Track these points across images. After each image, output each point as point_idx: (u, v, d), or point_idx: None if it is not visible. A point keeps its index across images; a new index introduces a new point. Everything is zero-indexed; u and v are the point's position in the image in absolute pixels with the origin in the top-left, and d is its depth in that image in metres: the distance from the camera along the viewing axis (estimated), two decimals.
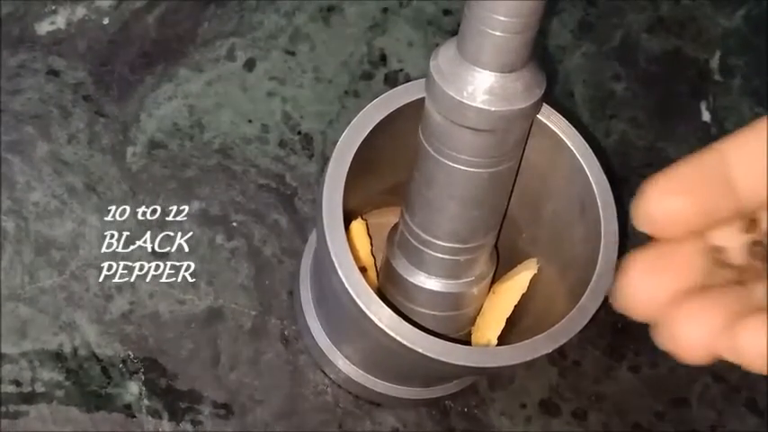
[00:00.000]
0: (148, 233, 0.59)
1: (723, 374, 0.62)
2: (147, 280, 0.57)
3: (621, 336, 0.62)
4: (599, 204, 0.44)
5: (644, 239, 0.29)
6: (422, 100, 0.42)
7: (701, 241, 0.29)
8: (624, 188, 0.52)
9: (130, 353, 0.56)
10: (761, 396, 0.62)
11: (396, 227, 0.49)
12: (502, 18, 0.36)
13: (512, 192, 0.46)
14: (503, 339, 0.50)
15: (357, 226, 0.53)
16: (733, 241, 0.29)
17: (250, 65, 0.64)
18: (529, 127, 0.43)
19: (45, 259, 0.57)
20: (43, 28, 0.63)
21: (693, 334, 0.27)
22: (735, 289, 0.28)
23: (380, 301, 0.41)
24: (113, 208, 0.59)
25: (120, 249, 0.58)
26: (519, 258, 0.51)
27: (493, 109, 0.38)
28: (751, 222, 0.29)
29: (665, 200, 0.28)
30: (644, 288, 0.28)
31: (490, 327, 0.50)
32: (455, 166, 0.41)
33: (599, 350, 0.61)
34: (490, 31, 0.36)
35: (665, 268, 0.28)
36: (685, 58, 0.70)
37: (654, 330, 0.28)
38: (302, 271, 0.57)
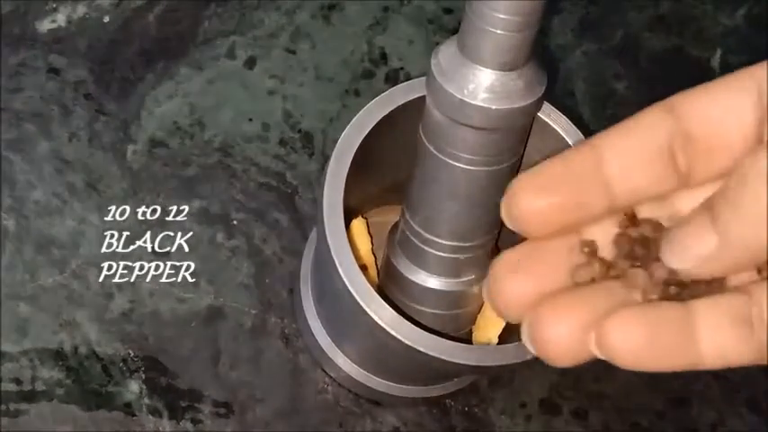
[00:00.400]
0: (149, 232, 0.58)
1: (724, 374, 0.62)
2: (148, 278, 0.57)
3: None
4: None
5: None
6: (422, 98, 0.41)
7: (574, 237, 0.28)
8: None
9: (131, 351, 0.56)
10: (761, 395, 0.62)
11: (396, 225, 0.49)
12: (503, 16, 0.36)
13: None
14: (503, 338, 0.50)
15: (358, 224, 0.53)
16: (606, 237, 0.28)
17: (250, 63, 0.64)
18: (530, 125, 0.43)
19: (46, 258, 0.57)
20: (44, 26, 0.63)
21: (558, 334, 0.26)
22: (606, 286, 0.27)
23: (381, 300, 0.41)
24: (114, 206, 0.59)
25: (120, 248, 0.58)
26: None
27: (494, 107, 0.38)
28: (625, 218, 0.28)
29: (531, 198, 0.27)
30: (510, 288, 0.28)
31: (491, 325, 0.50)
32: (456, 164, 0.41)
33: None
34: (491, 30, 0.36)
35: (531, 267, 0.28)
36: (686, 56, 0.70)
37: (521, 332, 0.27)
38: (303, 270, 0.57)
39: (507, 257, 0.28)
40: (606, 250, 0.28)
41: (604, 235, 0.28)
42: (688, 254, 0.26)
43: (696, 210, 0.26)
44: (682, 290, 0.27)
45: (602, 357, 0.26)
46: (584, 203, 0.27)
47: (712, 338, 0.26)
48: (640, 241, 0.28)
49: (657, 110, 0.27)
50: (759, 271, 0.27)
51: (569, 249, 0.28)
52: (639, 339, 0.25)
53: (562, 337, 0.26)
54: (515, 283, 0.28)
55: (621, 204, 0.27)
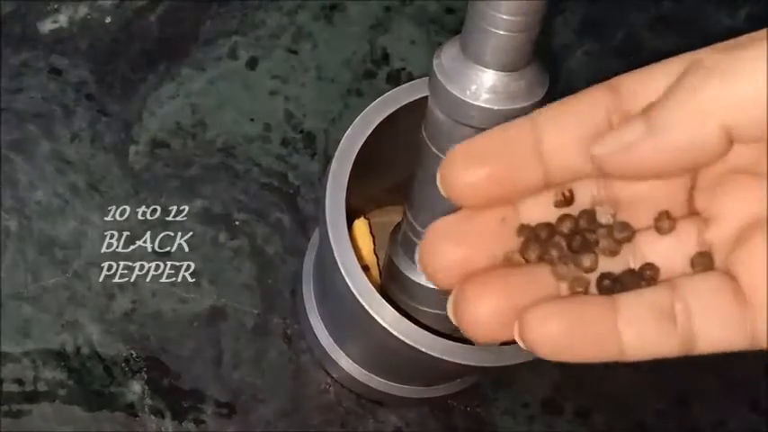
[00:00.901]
0: (150, 232, 0.59)
1: (725, 373, 0.62)
2: (150, 279, 0.58)
3: None
4: None
5: None
6: (424, 99, 0.41)
7: (508, 209, 0.28)
8: None
9: (133, 352, 0.56)
10: (762, 395, 0.62)
11: (398, 226, 0.49)
12: (505, 17, 0.36)
13: None
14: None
15: (360, 225, 0.53)
16: (542, 213, 0.28)
17: (252, 63, 0.64)
18: None
19: (48, 258, 0.57)
20: (46, 27, 0.63)
21: (480, 313, 0.26)
22: (535, 272, 0.27)
23: (383, 300, 0.41)
24: (116, 207, 0.59)
25: (122, 248, 0.58)
26: None
27: (496, 108, 0.38)
28: (561, 197, 0.28)
29: (465, 168, 0.27)
30: (441, 254, 0.27)
31: None
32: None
33: None
34: (493, 30, 0.36)
35: (463, 236, 0.28)
36: None
37: (447, 302, 0.27)
38: (305, 270, 0.57)
39: (441, 224, 0.28)
40: (539, 229, 0.28)
41: (541, 210, 0.28)
42: (614, 139, 0.26)
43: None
44: (613, 284, 0.27)
45: (524, 347, 0.26)
46: (519, 176, 0.27)
47: (635, 332, 0.26)
48: (574, 234, 0.28)
49: (600, 88, 0.27)
50: (692, 265, 0.27)
51: (501, 220, 0.28)
52: (558, 332, 0.26)
53: (483, 317, 0.26)
54: (446, 249, 0.27)
55: (558, 180, 0.27)
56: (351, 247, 0.41)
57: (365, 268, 0.50)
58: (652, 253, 0.28)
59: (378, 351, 0.51)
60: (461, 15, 0.36)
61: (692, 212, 0.27)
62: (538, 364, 0.60)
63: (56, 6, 0.63)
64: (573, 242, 0.28)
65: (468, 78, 0.38)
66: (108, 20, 0.64)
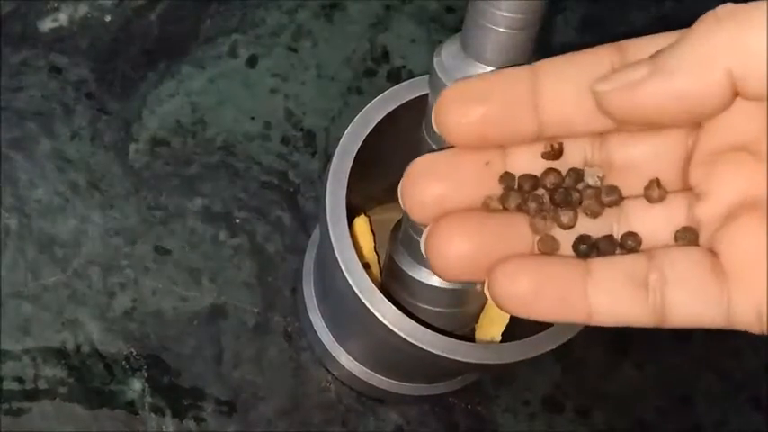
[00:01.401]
0: (151, 230, 0.59)
1: (727, 372, 0.62)
2: (150, 277, 0.58)
3: (625, 333, 0.62)
4: None
5: None
6: (425, 96, 0.41)
7: (495, 152, 0.28)
8: None
9: (133, 350, 0.56)
10: (764, 393, 0.62)
11: (399, 223, 0.49)
12: (505, 14, 0.36)
13: None
14: (506, 336, 0.50)
15: (360, 222, 0.53)
16: (529, 166, 0.28)
17: (252, 62, 0.64)
18: None
19: (48, 256, 0.57)
20: (46, 25, 0.63)
21: (450, 250, 0.27)
22: (512, 221, 0.27)
23: (384, 298, 0.41)
24: (116, 205, 0.59)
25: (122, 247, 0.58)
26: None
27: None
28: (550, 148, 0.28)
29: (459, 106, 0.27)
30: (421, 189, 0.28)
31: (494, 323, 0.50)
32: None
33: (603, 347, 0.61)
34: (493, 28, 0.36)
35: (445, 173, 0.28)
36: None
37: (422, 237, 0.28)
38: (305, 268, 0.57)
39: (425, 160, 0.28)
40: (522, 180, 0.28)
41: (530, 162, 0.28)
42: (619, 77, 0.25)
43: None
44: (589, 249, 0.27)
45: (491, 300, 0.26)
46: (513, 121, 0.27)
47: (604, 296, 0.26)
48: (557, 189, 0.28)
49: (606, 47, 0.27)
50: (676, 238, 0.27)
51: (486, 164, 0.28)
52: (525, 289, 0.26)
53: (452, 256, 0.27)
54: (425, 184, 0.28)
55: (551, 132, 0.27)
56: (351, 244, 0.41)
57: (366, 266, 0.50)
58: (638, 222, 0.27)
59: (378, 348, 0.51)
60: (462, 14, 0.36)
61: (686, 187, 0.27)
62: (539, 362, 0.60)
63: (56, 5, 0.63)
64: (554, 196, 0.28)
65: (469, 75, 0.38)
66: (108, 18, 0.64)
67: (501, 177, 0.28)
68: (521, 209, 0.28)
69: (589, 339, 0.61)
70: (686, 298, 0.25)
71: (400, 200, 0.28)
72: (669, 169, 0.27)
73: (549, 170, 0.28)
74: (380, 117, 0.43)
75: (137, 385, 0.55)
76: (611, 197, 0.27)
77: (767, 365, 0.63)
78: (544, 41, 0.66)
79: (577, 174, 0.28)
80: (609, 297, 0.26)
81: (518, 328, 0.50)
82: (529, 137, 0.27)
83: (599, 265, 0.26)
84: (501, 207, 0.28)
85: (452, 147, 0.28)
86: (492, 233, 0.27)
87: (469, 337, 0.52)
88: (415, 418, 0.58)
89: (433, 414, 0.58)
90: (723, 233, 0.25)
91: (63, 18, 0.63)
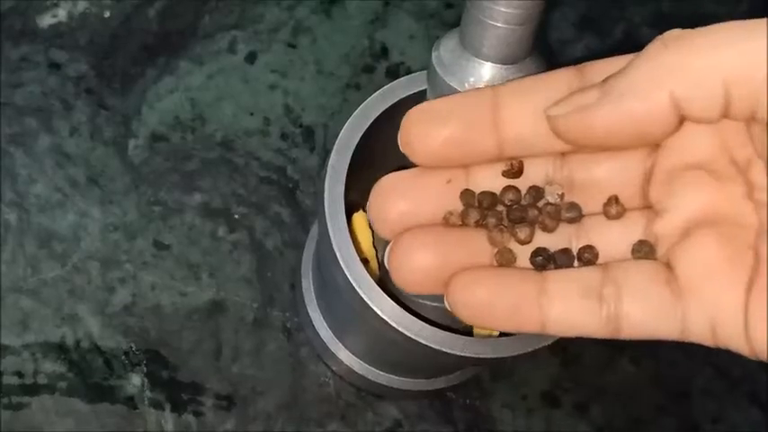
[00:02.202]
0: (150, 225, 0.59)
1: (724, 367, 0.62)
2: (149, 272, 0.58)
3: None
4: None
5: None
6: (423, 92, 0.42)
7: (458, 170, 0.29)
8: None
9: (133, 345, 0.56)
10: (762, 389, 0.62)
11: None
12: (503, 9, 0.36)
13: None
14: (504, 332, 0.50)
15: (359, 218, 0.53)
16: (490, 183, 0.29)
17: (251, 58, 0.64)
18: None
19: (47, 251, 0.57)
20: (45, 21, 0.63)
21: (410, 263, 0.27)
22: (471, 236, 0.28)
23: (382, 292, 0.41)
24: (115, 200, 0.59)
25: (121, 242, 0.58)
26: None
27: None
28: (510, 166, 0.28)
29: (422, 128, 0.28)
30: (386, 206, 0.29)
31: None
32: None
33: (600, 342, 0.61)
34: (492, 23, 0.36)
35: (408, 190, 0.29)
36: None
37: (385, 252, 0.29)
38: (304, 263, 0.57)
39: (390, 178, 0.29)
40: (481, 197, 0.29)
41: (491, 180, 0.29)
42: (570, 102, 0.26)
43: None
44: (546, 261, 0.28)
45: (449, 309, 0.27)
46: (474, 142, 0.28)
47: (557, 307, 0.26)
48: (518, 208, 0.28)
49: (567, 69, 0.28)
50: (633, 251, 0.27)
51: (447, 181, 0.29)
52: (480, 300, 0.27)
53: (413, 269, 0.28)
54: (391, 201, 0.29)
55: (511, 152, 0.28)
56: (350, 239, 0.41)
57: (364, 261, 0.50)
58: (596, 237, 0.28)
59: (377, 343, 0.51)
60: (460, 10, 0.36)
61: (646, 205, 0.28)
62: (537, 358, 0.60)
63: (55, 1, 0.64)
64: (511, 213, 0.28)
65: (467, 71, 0.38)
66: (107, 14, 0.64)
67: (461, 194, 0.29)
68: (480, 225, 0.28)
69: None
70: (640, 310, 0.26)
71: (368, 214, 0.29)
72: (629, 188, 0.28)
73: (508, 187, 0.29)
74: (379, 113, 0.43)
75: (136, 380, 0.55)
76: (570, 213, 0.28)
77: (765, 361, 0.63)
78: (542, 38, 0.66)
79: (537, 191, 0.29)
80: (562, 308, 0.27)
81: None
82: (490, 156, 0.28)
83: (554, 276, 0.27)
84: (461, 223, 0.28)
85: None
86: (451, 246, 0.28)
87: (467, 331, 0.52)
88: (413, 413, 0.58)
89: (432, 409, 0.58)
90: (679, 248, 0.26)
91: (62, 14, 0.63)
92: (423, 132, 0.28)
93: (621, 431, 0.60)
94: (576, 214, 0.28)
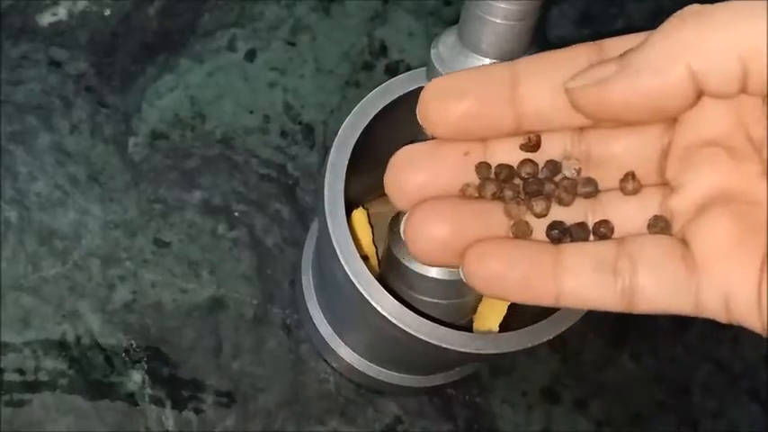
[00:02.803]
0: (150, 223, 0.59)
1: (725, 363, 0.62)
2: (149, 270, 0.58)
3: (623, 324, 0.62)
4: None
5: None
6: (422, 89, 0.42)
7: (475, 143, 0.29)
8: None
9: (133, 342, 0.56)
10: (762, 385, 0.62)
11: (398, 215, 0.49)
12: (502, 5, 0.36)
13: None
14: (504, 328, 0.50)
15: (358, 215, 0.53)
16: (507, 157, 0.29)
17: (251, 55, 0.64)
18: None
19: (48, 249, 0.57)
20: (45, 19, 0.63)
21: (425, 233, 0.27)
22: (487, 207, 0.28)
23: (382, 289, 0.41)
24: (115, 198, 0.59)
25: (122, 239, 0.58)
26: None
27: None
28: (528, 140, 0.28)
29: (441, 99, 0.28)
30: (404, 178, 0.29)
31: (492, 315, 0.50)
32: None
33: (600, 339, 0.62)
34: (490, 19, 0.36)
35: (426, 163, 0.29)
36: None
37: (401, 223, 0.29)
38: (304, 260, 0.57)
39: (407, 150, 0.29)
40: (499, 170, 0.29)
41: (509, 153, 0.29)
42: (588, 75, 0.26)
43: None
44: (561, 234, 0.28)
45: (466, 281, 0.27)
46: (492, 116, 0.28)
47: (572, 280, 0.27)
48: (534, 181, 0.28)
49: (585, 44, 0.28)
50: (648, 226, 0.27)
51: (464, 154, 0.29)
52: (495, 270, 0.27)
53: (429, 240, 0.28)
54: (407, 173, 0.29)
55: (529, 127, 0.28)
56: (349, 235, 0.41)
57: (364, 258, 0.50)
58: (612, 212, 0.28)
59: (377, 340, 0.51)
60: (459, 7, 0.36)
61: (662, 181, 0.28)
62: (537, 354, 0.60)
63: None
64: (528, 186, 0.28)
65: (466, 67, 0.38)
66: (107, 12, 0.64)
67: (477, 167, 0.29)
68: (496, 197, 0.28)
69: (587, 331, 0.61)
70: (655, 284, 0.26)
71: (385, 188, 0.29)
72: (646, 164, 0.28)
73: (526, 161, 0.29)
74: (378, 109, 0.43)
75: (137, 377, 0.56)
76: (587, 188, 0.28)
77: (765, 356, 0.63)
78: (541, 34, 0.66)
79: (554, 165, 0.29)
80: (576, 281, 0.27)
81: (515, 320, 0.50)
82: (508, 130, 0.28)
83: (569, 250, 0.27)
84: (477, 195, 0.28)
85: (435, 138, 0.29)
86: (468, 218, 0.28)
87: (467, 327, 0.52)
88: (413, 409, 0.58)
89: (432, 405, 0.58)
90: (694, 224, 0.26)
91: (62, 12, 0.63)
92: (441, 106, 0.28)
93: (621, 427, 0.60)
94: (592, 189, 0.28)
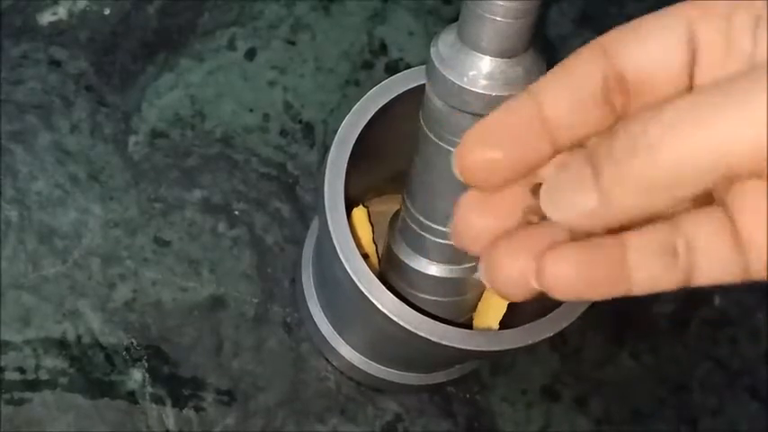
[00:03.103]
0: (151, 222, 0.59)
1: (724, 361, 0.62)
2: (150, 268, 0.58)
3: (622, 322, 0.62)
4: None
5: None
6: (422, 86, 0.42)
7: (532, 179, 0.29)
8: None
9: (134, 340, 0.56)
10: (762, 382, 0.62)
11: (397, 213, 0.49)
12: (502, 3, 0.36)
13: None
14: (504, 325, 0.50)
15: (358, 213, 0.53)
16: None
17: (251, 54, 0.64)
18: None
19: (48, 248, 0.57)
20: (45, 18, 0.63)
21: (510, 270, 0.28)
22: (551, 224, 0.28)
23: (382, 286, 0.41)
24: (116, 197, 0.59)
25: (122, 238, 0.58)
26: None
27: (493, 94, 0.38)
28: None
29: (480, 152, 0.28)
30: (470, 226, 0.29)
31: (491, 312, 0.50)
32: (455, 151, 0.41)
33: (600, 336, 0.62)
34: (490, 17, 0.36)
35: (489, 208, 0.29)
36: None
37: (479, 269, 0.29)
38: (304, 259, 0.57)
39: (472, 197, 0.29)
40: None
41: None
42: (568, 209, 0.27)
43: (578, 158, 0.27)
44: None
45: (542, 289, 0.27)
46: (531, 154, 0.28)
47: (643, 269, 0.27)
48: None
49: (590, 52, 0.28)
50: (693, 201, 0.28)
51: (525, 192, 0.29)
52: (571, 272, 0.27)
53: (510, 278, 0.28)
54: (478, 220, 0.29)
55: (565, 145, 0.28)
56: (350, 233, 0.42)
57: (364, 256, 0.50)
58: None
59: (377, 338, 0.51)
60: (459, 6, 0.36)
61: None
62: (536, 352, 0.60)
63: None
64: None
65: (466, 65, 0.38)
66: (107, 11, 0.64)
67: (532, 190, 0.29)
68: None
69: (586, 329, 0.62)
70: (710, 262, 0.27)
71: (454, 236, 0.30)
72: None
73: None
74: (377, 108, 0.44)
75: (137, 375, 0.56)
76: None
77: (764, 354, 0.63)
78: (541, 34, 0.66)
79: None
80: (646, 269, 0.27)
81: (515, 317, 0.50)
82: (548, 158, 0.28)
83: (631, 238, 0.27)
84: (536, 218, 0.29)
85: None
86: (536, 243, 0.28)
87: (467, 325, 0.52)
88: (413, 407, 0.58)
89: (432, 403, 0.58)
90: (733, 197, 0.26)
91: (62, 11, 0.63)
92: (479, 163, 0.28)
93: (621, 425, 0.60)
94: None
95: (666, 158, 0.24)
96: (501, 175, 0.28)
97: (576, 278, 0.27)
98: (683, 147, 0.24)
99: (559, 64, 0.28)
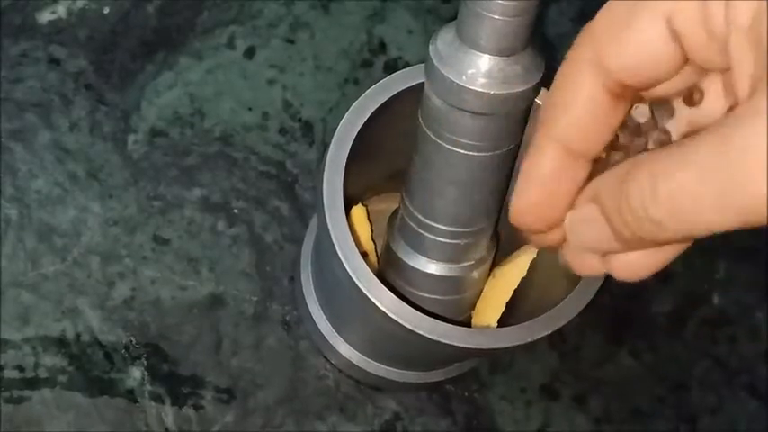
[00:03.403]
0: (150, 220, 0.59)
1: (723, 359, 0.62)
2: (149, 267, 0.58)
3: (622, 320, 0.62)
4: None
5: None
6: (421, 84, 0.42)
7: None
8: None
9: (133, 338, 0.56)
10: (761, 380, 0.62)
11: (396, 212, 0.49)
12: (500, 1, 0.36)
13: (512, 175, 0.47)
14: (503, 323, 0.50)
15: (357, 211, 0.53)
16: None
17: (250, 53, 0.64)
18: (528, 110, 0.43)
19: (47, 246, 0.57)
20: (44, 17, 0.63)
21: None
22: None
23: (381, 285, 0.41)
24: (115, 195, 0.59)
25: (121, 236, 0.58)
26: (519, 242, 0.51)
27: (492, 92, 0.38)
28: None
29: (524, 217, 0.31)
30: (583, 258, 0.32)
31: (490, 311, 0.50)
32: (454, 149, 0.41)
33: (599, 335, 0.62)
34: (489, 15, 0.37)
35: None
36: None
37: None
38: (303, 257, 0.57)
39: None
40: None
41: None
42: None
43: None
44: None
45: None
46: (564, 196, 0.31)
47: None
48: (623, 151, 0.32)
49: (584, 68, 0.31)
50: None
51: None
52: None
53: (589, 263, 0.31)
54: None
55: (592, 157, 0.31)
56: (348, 231, 0.42)
57: (363, 255, 0.50)
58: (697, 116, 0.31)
59: (376, 336, 0.51)
60: (457, 5, 0.37)
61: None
62: (535, 350, 0.60)
63: None
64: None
65: (464, 63, 0.38)
66: (106, 10, 0.64)
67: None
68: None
69: (585, 327, 0.62)
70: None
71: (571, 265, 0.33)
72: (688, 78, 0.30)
73: (608, 151, 0.31)
74: (376, 106, 0.44)
75: (136, 373, 0.56)
76: (665, 116, 0.31)
77: (764, 352, 0.63)
78: (539, 32, 0.67)
79: (626, 126, 0.31)
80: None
81: (513, 316, 0.50)
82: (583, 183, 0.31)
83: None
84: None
85: None
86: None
87: (466, 323, 0.52)
88: (412, 405, 0.58)
89: (431, 401, 0.58)
90: None
91: (61, 10, 0.63)
92: (528, 222, 0.31)
93: (620, 423, 0.60)
94: (669, 113, 0.31)
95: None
96: (550, 217, 0.31)
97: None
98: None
99: (558, 89, 0.30)
